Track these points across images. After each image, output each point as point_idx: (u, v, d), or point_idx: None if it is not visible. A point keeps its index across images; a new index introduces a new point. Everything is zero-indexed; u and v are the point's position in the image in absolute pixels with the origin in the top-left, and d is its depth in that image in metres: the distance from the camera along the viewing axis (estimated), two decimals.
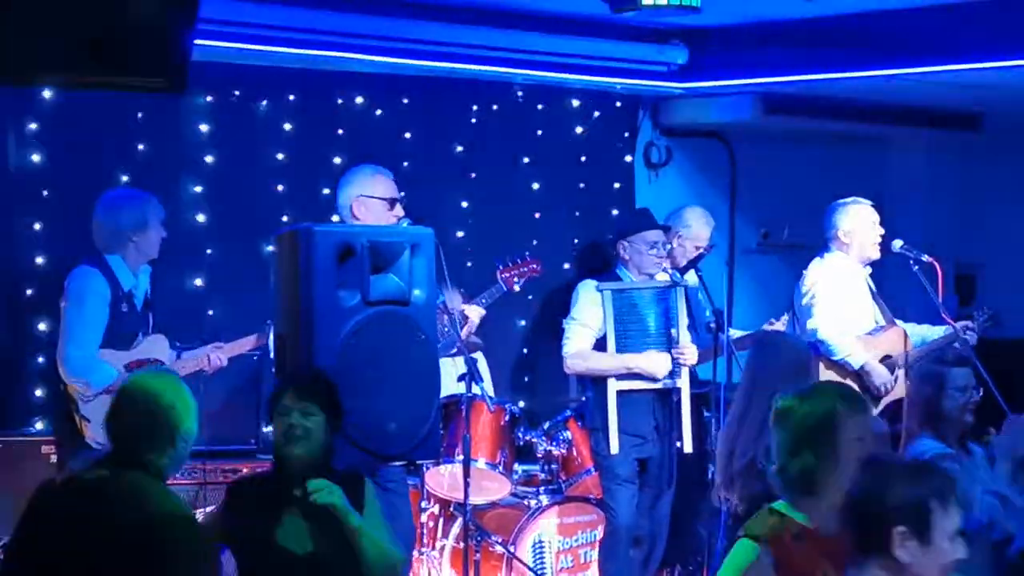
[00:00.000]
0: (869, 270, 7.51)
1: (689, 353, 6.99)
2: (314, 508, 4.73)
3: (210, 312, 7.71)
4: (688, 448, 7.00)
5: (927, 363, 5.87)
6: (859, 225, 7.39)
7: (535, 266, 7.50)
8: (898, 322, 7.52)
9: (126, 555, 3.98)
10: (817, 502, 4.03)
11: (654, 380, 6.96)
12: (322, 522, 4.75)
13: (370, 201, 6.49)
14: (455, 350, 6.84)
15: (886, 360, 7.34)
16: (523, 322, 8.77)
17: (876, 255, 7.44)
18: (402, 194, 6.68)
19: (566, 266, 8.91)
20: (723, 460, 5.63)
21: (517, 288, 7.45)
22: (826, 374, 7.25)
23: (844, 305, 7.29)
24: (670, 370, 6.94)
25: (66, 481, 4.23)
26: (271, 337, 6.39)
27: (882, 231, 7.45)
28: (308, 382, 4.99)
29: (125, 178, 7.44)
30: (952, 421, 5.69)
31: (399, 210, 6.54)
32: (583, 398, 7.28)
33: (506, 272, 7.40)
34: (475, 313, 7.17)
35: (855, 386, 7.06)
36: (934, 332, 7.44)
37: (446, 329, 6.63)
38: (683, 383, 6.99)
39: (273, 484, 4.86)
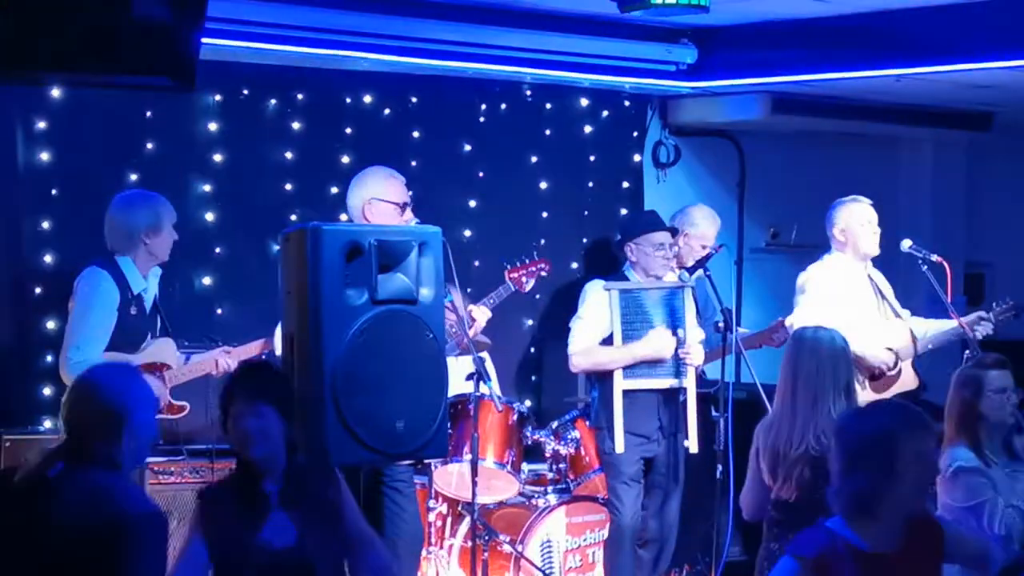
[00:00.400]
0: (869, 265, 7.49)
1: (695, 353, 6.99)
2: (291, 498, 4.71)
3: (218, 311, 7.71)
4: (693, 448, 6.99)
5: (965, 368, 5.88)
6: (852, 223, 7.40)
7: (544, 265, 7.49)
8: (912, 319, 7.50)
9: (81, 557, 3.99)
10: (873, 522, 3.96)
11: (661, 363, 6.93)
12: (303, 511, 4.74)
13: (382, 204, 6.49)
14: (458, 351, 6.83)
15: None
16: (531, 321, 8.77)
17: (873, 251, 7.42)
18: (410, 193, 6.68)
19: (574, 265, 8.91)
20: (771, 456, 5.70)
21: (526, 288, 7.44)
22: None
23: (833, 304, 7.27)
24: (675, 348, 6.92)
25: (25, 477, 4.18)
26: (277, 338, 6.40)
27: (878, 229, 7.44)
28: (256, 381, 4.80)
29: (134, 177, 7.44)
30: (992, 424, 5.68)
31: (409, 214, 6.53)
32: (590, 399, 7.28)
33: (515, 272, 7.39)
34: (481, 315, 7.16)
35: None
36: (947, 324, 7.42)
37: (453, 328, 6.62)
38: (689, 383, 6.98)
39: (242, 484, 4.77)
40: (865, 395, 7.03)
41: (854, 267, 7.42)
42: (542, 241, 8.30)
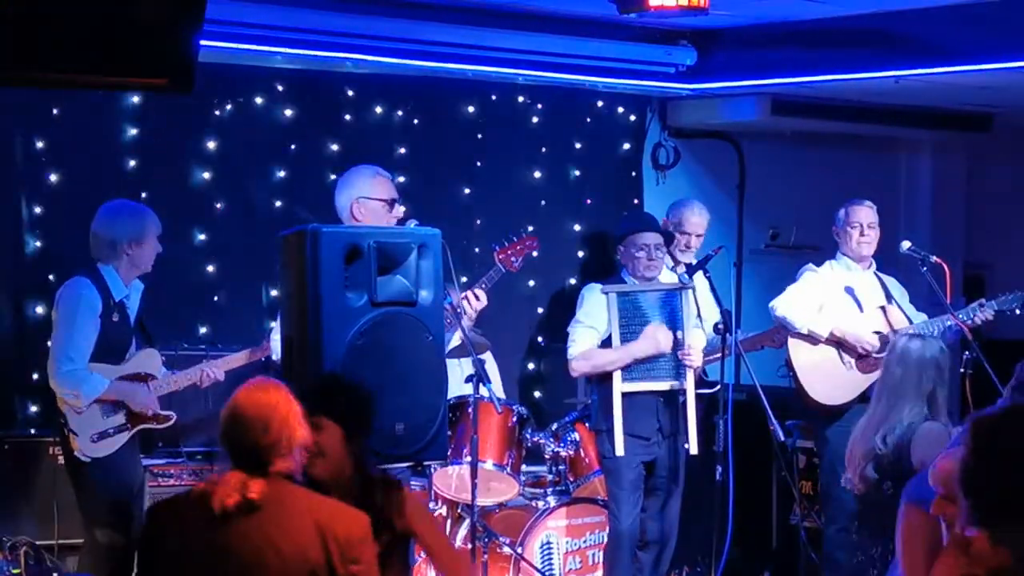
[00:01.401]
0: (874, 268, 7.51)
1: (695, 355, 6.97)
2: (364, 502, 4.63)
3: (216, 313, 7.71)
4: (694, 450, 6.98)
5: None
6: (843, 225, 7.49)
7: (531, 242, 7.42)
8: (913, 313, 7.52)
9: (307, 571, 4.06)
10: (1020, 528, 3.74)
11: (660, 365, 6.93)
12: (379, 520, 4.66)
13: (370, 203, 6.48)
14: (454, 331, 6.78)
15: None
16: (530, 324, 8.76)
17: (864, 252, 7.46)
18: (407, 196, 6.66)
19: (572, 268, 8.90)
20: (850, 448, 6.02)
21: (516, 268, 7.37)
22: (797, 348, 7.36)
23: (816, 295, 7.36)
24: (674, 347, 6.92)
25: (230, 504, 4.09)
26: (275, 342, 6.39)
27: (870, 232, 7.46)
28: (314, 393, 4.62)
29: (133, 179, 7.44)
30: None
31: (399, 211, 6.53)
32: (589, 401, 7.27)
33: (503, 253, 7.32)
34: (476, 300, 7.08)
35: (833, 353, 7.31)
36: (941, 318, 7.44)
37: (448, 321, 6.59)
38: (688, 385, 6.97)
39: None
40: (852, 375, 7.29)
41: (851, 268, 7.46)
42: (540, 243, 8.30)
